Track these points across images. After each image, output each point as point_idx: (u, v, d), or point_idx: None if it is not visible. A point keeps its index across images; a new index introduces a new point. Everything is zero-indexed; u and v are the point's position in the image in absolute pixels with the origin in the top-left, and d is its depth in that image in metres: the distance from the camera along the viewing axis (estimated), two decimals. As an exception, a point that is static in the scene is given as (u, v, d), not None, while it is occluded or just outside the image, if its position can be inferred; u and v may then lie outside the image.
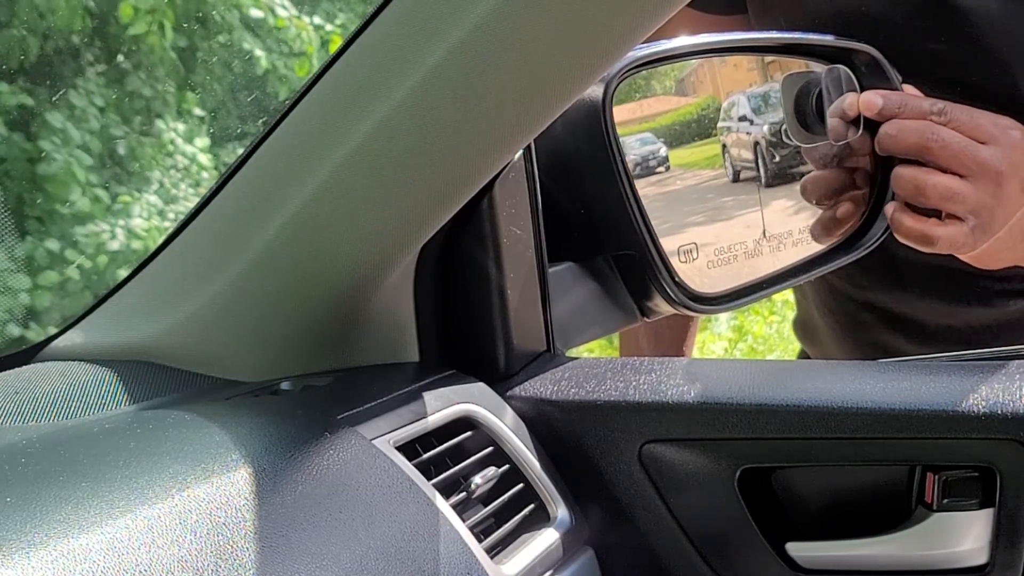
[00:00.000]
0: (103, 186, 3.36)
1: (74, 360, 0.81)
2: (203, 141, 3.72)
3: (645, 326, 1.27)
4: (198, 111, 3.75)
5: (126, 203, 3.39)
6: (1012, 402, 0.74)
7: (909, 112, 0.94)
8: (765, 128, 0.99)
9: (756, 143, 0.98)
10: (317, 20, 3.93)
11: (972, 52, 1.03)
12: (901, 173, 0.95)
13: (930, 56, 1.04)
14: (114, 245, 3.27)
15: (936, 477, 0.77)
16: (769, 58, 1.01)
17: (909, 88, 0.99)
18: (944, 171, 0.94)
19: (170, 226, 3.43)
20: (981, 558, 0.77)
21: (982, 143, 0.94)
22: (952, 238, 0.95)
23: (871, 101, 0.94)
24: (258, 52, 3.76)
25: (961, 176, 0.93)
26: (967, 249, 0.97)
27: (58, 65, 3.45)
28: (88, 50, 3.51)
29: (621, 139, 0.89)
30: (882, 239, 1.03)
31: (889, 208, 0.98)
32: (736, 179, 0.97)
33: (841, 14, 1.06)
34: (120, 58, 3.58)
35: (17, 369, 0.81)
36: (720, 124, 0.97)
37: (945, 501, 0.77)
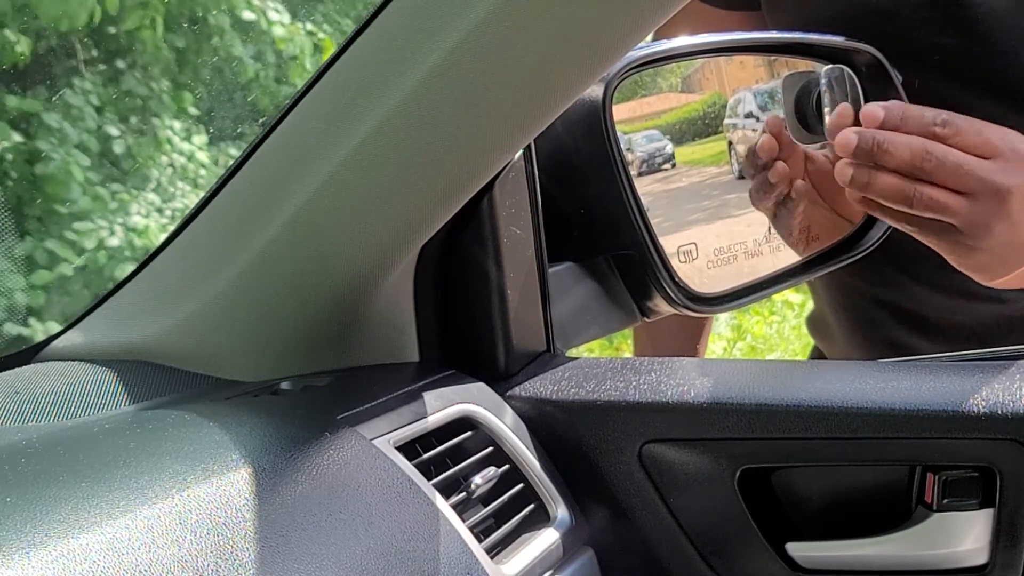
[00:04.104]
0: (102, 184, 3.36)
1: (74, 360, 0.81)
2: (201, 139, 3.72)
3: (655, 325, 1.26)
4: (193, 110, 3.75)
5: (124, 201, 3.39)
6: (1012, 402, 0.74)
7: (910, 125, 0.90)
8: None
9: None
10: (310, 27, 3.91)
11: (980, 45, 1.03)
12: (887, 181, 0.89)
13: (938, 49, 1.04)
14: (113, 241, 3.27)
15: (936, 477, 0.77)
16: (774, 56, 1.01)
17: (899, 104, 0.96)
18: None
19: (169, 223, 3.44)
20: (981, 558, 0.77)
21: (986, 159, 0.89)
22: (942, 207, 0.88)
23: (873, 114, 0.90)
24: (247, 61, 3.75)
25: (959, 193, 0.89)
26: (949, 251, 0.93)
27: (54, 65, 3.44)
28: (85, 49, 3.51)
29: (627, 136, 0.89)
30: (882, 239, 1.03)
31: (841, 165, 0.90)
32: (741, 176, 0.97)
33: (849, 7, 1.06)
34: (116, 58, 3.57)
35: (17, 369, 0.81)
36: (726, 121, 0.97)
37: (945, 501, 0.77)
